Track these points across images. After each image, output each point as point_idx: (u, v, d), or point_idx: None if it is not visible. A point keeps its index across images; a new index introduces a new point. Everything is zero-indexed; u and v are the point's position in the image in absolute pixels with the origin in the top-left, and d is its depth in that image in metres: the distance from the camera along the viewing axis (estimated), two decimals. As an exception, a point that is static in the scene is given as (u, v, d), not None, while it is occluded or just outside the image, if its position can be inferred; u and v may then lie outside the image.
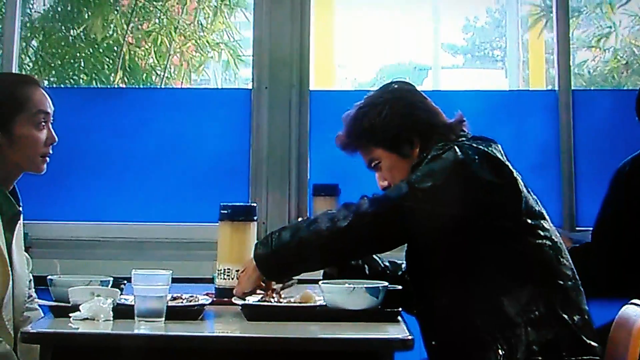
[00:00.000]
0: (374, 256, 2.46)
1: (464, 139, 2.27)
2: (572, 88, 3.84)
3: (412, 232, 2.07)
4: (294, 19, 3.81)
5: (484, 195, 2.09)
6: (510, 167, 2.17)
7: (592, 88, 4.97)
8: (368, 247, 2.17)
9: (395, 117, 2.30)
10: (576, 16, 4.78)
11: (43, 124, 2.44)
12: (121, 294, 2.16)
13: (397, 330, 1.94)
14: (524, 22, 5.27)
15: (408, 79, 2.70)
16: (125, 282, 2.25)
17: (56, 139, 2.46)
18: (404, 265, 2.47)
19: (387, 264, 2.49)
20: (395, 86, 2.41)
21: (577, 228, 3.70)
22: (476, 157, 2.11)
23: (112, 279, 2.26)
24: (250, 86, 3.86)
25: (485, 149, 2.15)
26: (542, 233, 2.16)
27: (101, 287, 2.15)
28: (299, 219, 2.32)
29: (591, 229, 2.97)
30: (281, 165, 3.73)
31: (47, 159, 2.46)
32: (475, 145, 2.16)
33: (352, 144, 2.38)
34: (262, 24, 3.82)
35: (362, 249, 2.17)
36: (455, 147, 2.13)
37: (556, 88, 3.84)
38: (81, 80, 5.06)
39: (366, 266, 2.44)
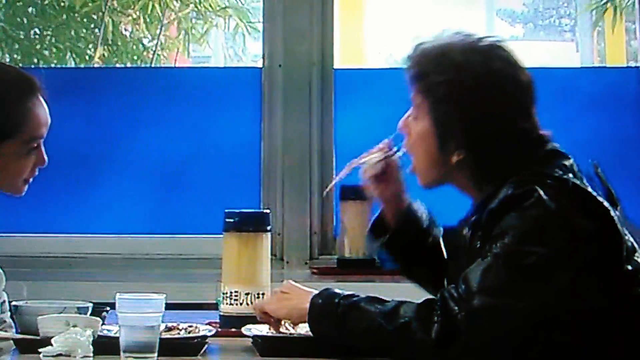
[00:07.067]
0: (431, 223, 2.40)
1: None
2: (660, 64, 3.87)
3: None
4: (314, -21, 3.82)
5: (587, 252, 1.97)
6: (601, 200, 2.04)
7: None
8: None
9: (465, 111, 2.08)
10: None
11: (34, 149, 2.40)
12: (103, 324, 2.15)
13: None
14: (599, -18, 5.25)
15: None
16: (108, 308, 2.25)
17: (46, 161, 2.41)
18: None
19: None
20: (493, 60, 2.11)
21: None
22: (571, 200, 1.99)
23: (91, 305, 2.26)
24: (260, 64, 3.86)
25: (575, 182, 2.02)
26: None
27: (78, 316, 2.15)
28: None
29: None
30: (300, 162, 3.72)
31: (30, 179, 2.44)
32: (560, 176, 2.02)
33: (412, 80, 2.18)
34: (275, -13, 3.83)
35: None
36: (539, 191, 1.97)
37: (639, 64, 3.86)
38: (53, 57, 5.06)
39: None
